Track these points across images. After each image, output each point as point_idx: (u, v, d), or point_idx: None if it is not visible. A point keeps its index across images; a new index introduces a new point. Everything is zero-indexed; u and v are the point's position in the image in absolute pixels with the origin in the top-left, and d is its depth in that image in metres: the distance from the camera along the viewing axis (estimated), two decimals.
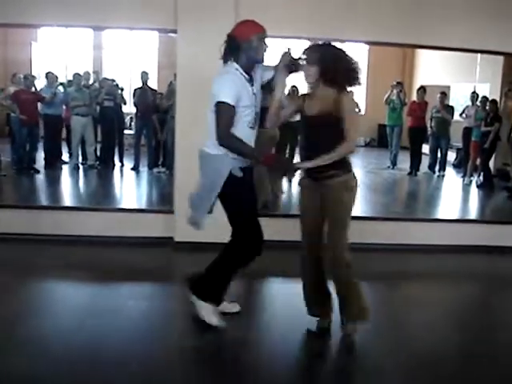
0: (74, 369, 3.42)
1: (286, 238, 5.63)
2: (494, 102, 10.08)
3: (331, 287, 3.99)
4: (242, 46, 3.82)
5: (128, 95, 11.21)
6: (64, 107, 10.48)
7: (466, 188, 10.38)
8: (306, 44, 3.89)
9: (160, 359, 3.61)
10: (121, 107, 10.82)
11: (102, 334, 3.91)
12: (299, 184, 4.01)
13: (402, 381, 3.50)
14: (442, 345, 4.01)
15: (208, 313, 4.04)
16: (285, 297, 4.81)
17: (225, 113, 3.70)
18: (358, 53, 14.42)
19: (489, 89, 11.15)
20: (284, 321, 4.29)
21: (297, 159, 4.04)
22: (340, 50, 3.78)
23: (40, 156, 10.30)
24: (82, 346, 3.71)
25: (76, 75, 10.39)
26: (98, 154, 10.77)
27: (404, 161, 11.68)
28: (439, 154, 11.40)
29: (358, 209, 8.35)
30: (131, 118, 11.72)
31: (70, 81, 10.89)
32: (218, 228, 6.01)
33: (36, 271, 5.23)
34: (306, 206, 3.98)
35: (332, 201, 3.81)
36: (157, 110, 10.29)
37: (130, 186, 10.15)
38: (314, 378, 3.55)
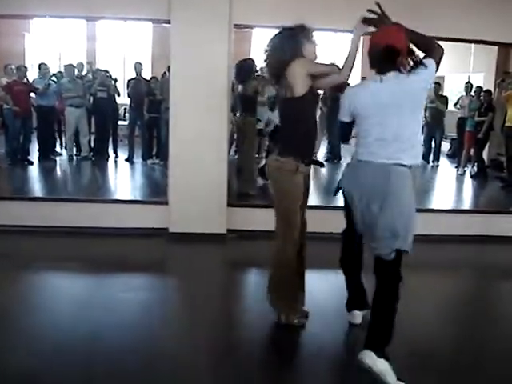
0: (70, 362, 3.40)
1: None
2: (488, 91, 10.09)
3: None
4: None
5: (122, 86, 11.19)
6: (57, 98, 10.45)
7: (460, 178, 10.41)
8: None
9: (157, 350, 3.60)
10: (114, 98, 10.79)
11: (98, 326, 3.89)
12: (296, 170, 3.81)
13: (400, 372, 3.51)
14: (438, 335, 4.02)
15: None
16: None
17: None
18: None
19: (483, 79, 11.17)
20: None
21: None
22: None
23: (34, 147, 10.29)
24: (77, 339, 3.70)
25: (69, 66, 10.35)
26: (92, 145, 10.75)
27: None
28: (433, 145, 11.43)
29: None
30: (125, 108, 11.70)
31: (60, 72, 10.85)
32: (210, 219, 6.07)
33: (30, 263, 5.21)
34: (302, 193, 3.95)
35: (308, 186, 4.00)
36: (150, 94, 10.28)
37: (125, 178, 10.13)
38: (309, 368, 3.57)
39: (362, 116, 3.48)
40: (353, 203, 3.51)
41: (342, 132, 3.75)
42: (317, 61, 3.85)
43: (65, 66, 10.49)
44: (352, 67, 3.71)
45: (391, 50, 3.39)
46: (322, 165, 9.12)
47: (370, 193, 3.40)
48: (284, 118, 3.95)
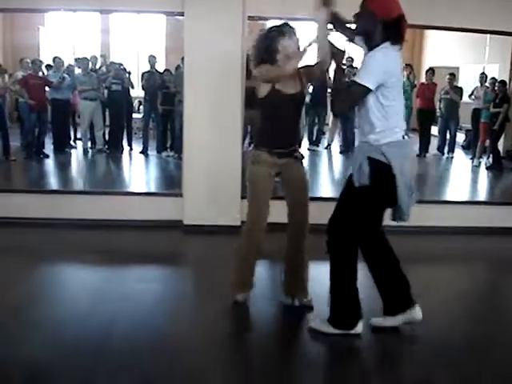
0: (85, 354, 3.43)
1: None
2: (502, 82, 9.98)
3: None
4: None
5: (136, 79, 11.22)
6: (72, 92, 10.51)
7: (475, 170, 10.34)
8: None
9: (172, 342, 3.63)
10: (129, 91, 10.82)
11: (114, 318, 3.91)
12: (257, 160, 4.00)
13: (412, 364, 3.52)
14: (451, 328, 4.00)
15: None
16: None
17: None
18: None
19: (498, 70, 11.08)
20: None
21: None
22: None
23: (49, 141, 10.35)
24: (93, 331, 3.73)
25: (83, 59, 10.39)
26: (107, 138, 10.81)
27: (413, 143, 11.63)
28: (448, 136, 11.36)
29: None
30: (139, 101, 11.73)
31: (71, 65, 10.88)
32: (224, 211, 6.08)
33: (46, 255, 5.26)
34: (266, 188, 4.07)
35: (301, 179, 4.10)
36: (164, 86, 10.30)
37: (139, 170, 10.16)
38: (322, 361, 3.60)
39: (391, 85, 3.42)
40: (397, 183, 3.51)
41: (354, 99, 3.48)
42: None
43: (76, 59, 10.51)
44: (328, 52, 3.66)
45: (403, 19, 3.45)
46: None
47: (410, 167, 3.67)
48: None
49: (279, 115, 3.94)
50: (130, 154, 10.79)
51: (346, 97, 3.48)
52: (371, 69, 3.38)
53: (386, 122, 3.48)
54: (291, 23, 3.94)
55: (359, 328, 3.70)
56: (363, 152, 3.54)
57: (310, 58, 3.97)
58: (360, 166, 3.52)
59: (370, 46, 3.48)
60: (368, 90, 3.37)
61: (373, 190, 3.52)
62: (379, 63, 3.37)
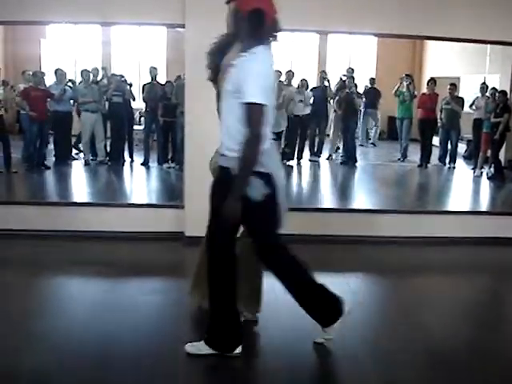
0: (86, 365, 3.42)
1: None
2: (503, 92, 10.01)
3: None
4: None
5: (137, 91, 11.24)
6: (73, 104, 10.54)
7: (476, 180, 10.34)
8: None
9: (173, 354, 3.61)
10: (130, 103, 10.85)
11: (115, 330, 3.91)
12: None
13: (415, 374, 3.49)
14: (454, 338, 4.00)
15: None
16: None
17: None
18: (367, 45, 14.39)
19: (499, 80, 11.11)
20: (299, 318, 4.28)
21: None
22: None
23: (50, 152, 10.37)
24: (94, 342, 3.73)
25: (84, 71, 10.42)
26: (108, 149, 10.82)
27: (414, 153, 11.67)
28: (449, 146, 11.38)
29: (368, 201, 8.41)
30: (140, 113, 11.75)
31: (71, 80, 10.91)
32: None
33: (48, 267, 5.25)
34: None
35: None
36: (165, 98, 10.33)
37: (140, 182, 10.17)
38: (324, 369, 3.58)
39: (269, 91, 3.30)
40: (277, 190, 3.39)
41: (261, 120, 3.21)
42: None
43: (82, 71, 10.56)
44: None
45: (265, 15, 3.33)
46: None
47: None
48: None
49: None
50: (132, 166, 10.79)
51: (256, 122, 3.21)
52: (258, 83, 3.20)
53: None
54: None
55: (239, 349, 3.56)
56: None
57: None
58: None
59: (244, 46, 3.37)
60: (263, 107, 3.20)
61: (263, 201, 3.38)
62: (260, 75, 3.21)
